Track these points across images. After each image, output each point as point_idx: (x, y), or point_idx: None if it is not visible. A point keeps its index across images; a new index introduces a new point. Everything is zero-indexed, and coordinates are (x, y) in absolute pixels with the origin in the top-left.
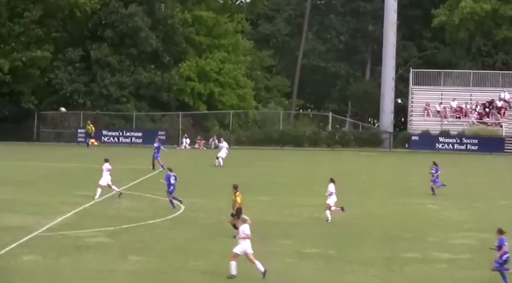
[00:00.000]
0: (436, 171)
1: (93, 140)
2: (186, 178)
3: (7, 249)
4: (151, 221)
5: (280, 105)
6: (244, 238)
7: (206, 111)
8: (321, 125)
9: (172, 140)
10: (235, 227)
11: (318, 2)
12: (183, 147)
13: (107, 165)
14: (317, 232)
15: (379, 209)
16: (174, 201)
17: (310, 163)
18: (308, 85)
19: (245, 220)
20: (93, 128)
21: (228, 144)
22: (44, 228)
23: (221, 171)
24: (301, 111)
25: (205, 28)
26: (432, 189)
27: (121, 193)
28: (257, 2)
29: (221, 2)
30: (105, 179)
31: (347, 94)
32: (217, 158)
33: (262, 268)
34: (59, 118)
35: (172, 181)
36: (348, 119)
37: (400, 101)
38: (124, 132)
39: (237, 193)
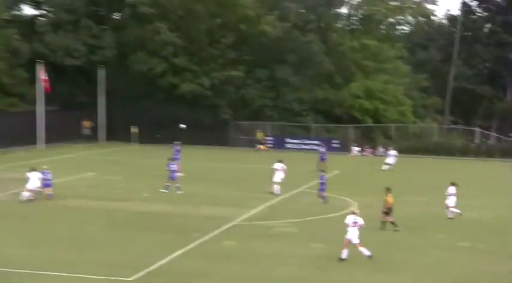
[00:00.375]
0: None
1: (262, 146)
2: (356, 180)
3: (211, 234)
4: (329, 215)
5: (434, 120)
6: (351, 226)
7: (372, 124)
8: (469, 138)
9: (344, 148)
10: (385, 223)
11: (466, 33)
12: (352, 154)
13: (280, 165)
14: (467, 229)
15: None
16: (322, 198)
17: (459, 170)
18: (458, 104)
19: (354, 212)
20: (263, 136)
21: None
22: (241, 218)
23: (386, 174)
24: (452, 126)
25: (370, 54)
26: None
27: (277, 194)
28: (414, 33)
29: (384, 32)
30: (278, 176)
31: (491, 112)
32: (386, 164)
33: (367, 253)
34: (250, 127)
35: (324, 181)
36: (492, 134)
37: None
38: (304, 140)
39: (389, 194)
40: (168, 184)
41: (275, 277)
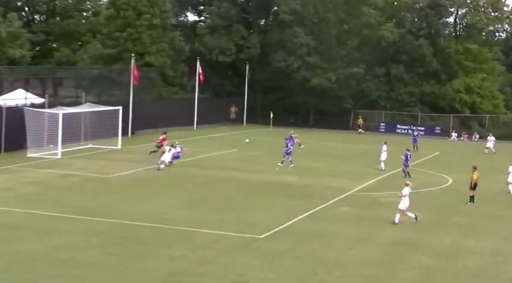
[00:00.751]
0: None
1: (360, 129)
2: (453, 160)
3: (330, 202)
4: (427, 188)
5: None
6: (403, 196)
7: (470, 114)
8: None
9: (444, 134)
10: (472, 196)
11: None
12: (451, 139)
13: (385, 146)
14: None
15: None
16: (408, 173)
17: None
18: None
19: (407, 184)
20: (362, 121)
21: (494, 138)
22: (355, 189)
23: (479, 156)
24: None
25: (471, 56)
26: None
27: (383, 170)
28: (510, 39)
29: (484, 38)
30: (383, 156)
31: None
32: (486, 148)
33: (413, 215)
34: (367, 115)
35: (408, 159)
36: None
37: None
38: (411, 126)
39: (475, 172)
40: (290, 159)
41: (383, 238)
